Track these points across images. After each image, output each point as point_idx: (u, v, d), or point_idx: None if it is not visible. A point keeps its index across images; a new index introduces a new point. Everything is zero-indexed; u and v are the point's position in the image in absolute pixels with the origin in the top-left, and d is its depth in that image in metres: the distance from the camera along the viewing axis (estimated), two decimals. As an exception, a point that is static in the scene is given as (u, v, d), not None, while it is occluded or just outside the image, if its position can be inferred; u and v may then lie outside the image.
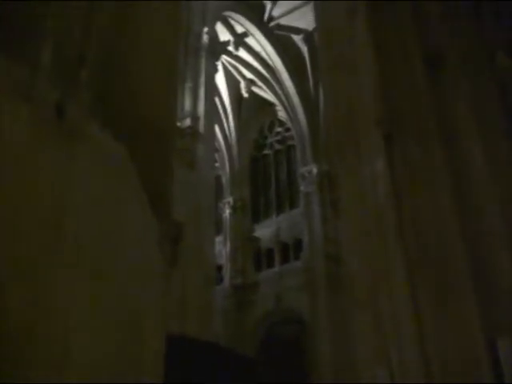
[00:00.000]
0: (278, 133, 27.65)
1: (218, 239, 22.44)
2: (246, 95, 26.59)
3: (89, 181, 1.86)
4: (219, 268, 23.45)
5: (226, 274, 24.27)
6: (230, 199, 26.16)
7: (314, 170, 23.69)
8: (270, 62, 25.08)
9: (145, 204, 2.26)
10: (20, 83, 1.60)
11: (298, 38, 24.41)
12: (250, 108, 27.16)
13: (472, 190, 6.17)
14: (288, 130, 26.85)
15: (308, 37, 23.82)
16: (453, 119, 6.00)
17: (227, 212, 25.93)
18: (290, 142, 26.81)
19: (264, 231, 25.20)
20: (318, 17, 6.59)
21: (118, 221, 2.09)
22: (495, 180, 6.24)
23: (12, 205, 1.67)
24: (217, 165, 25.09)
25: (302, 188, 24.30)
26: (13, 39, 1.75)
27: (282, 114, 26.59)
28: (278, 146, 27.50)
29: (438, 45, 5.83)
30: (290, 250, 24.14)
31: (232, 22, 23.79)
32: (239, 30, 24.19)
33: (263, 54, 24.96)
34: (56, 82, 1.73)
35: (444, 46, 5.90)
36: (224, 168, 27.07)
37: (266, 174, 27.21)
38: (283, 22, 23.92)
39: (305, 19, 22.57)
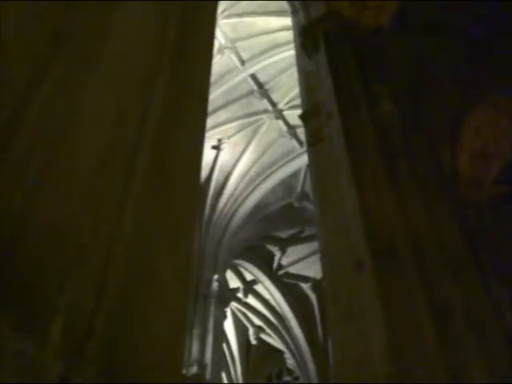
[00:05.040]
0: (287, 382, 26.79)
1: None
2: (254, 342, 26.31)
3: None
4: None
5: None
6: None
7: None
8: (278, 309, 25.24)
9: None
10: (25, 357, 1.67)
11: (306, 286, 24.86)
12: (258, 355, 26.69)
13: None
14: (297, 378, 26.07)
15: (316, 285, 24.27)
16: (463, 369, 5.92)
17: None
18: (299, 392, 25.89)
19: None
20: (324, 269, 6.75)
21: None
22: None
23: None
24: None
25: None
26: (22, 310, 1.85)
27: (290, 362, 26.03)
28: (286, 396, 26.52)
29: (445, 301, 5.96)
30: None
31: (241, 270, 24.47)
32: (248, 277, 24.78)
33: (272, 301, 25.23)
34: (61, 353, 1.80)
35: (450, 302, 6.03)
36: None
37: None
38: (292, 270, 24.56)
39: (312, 268, 23.20)
